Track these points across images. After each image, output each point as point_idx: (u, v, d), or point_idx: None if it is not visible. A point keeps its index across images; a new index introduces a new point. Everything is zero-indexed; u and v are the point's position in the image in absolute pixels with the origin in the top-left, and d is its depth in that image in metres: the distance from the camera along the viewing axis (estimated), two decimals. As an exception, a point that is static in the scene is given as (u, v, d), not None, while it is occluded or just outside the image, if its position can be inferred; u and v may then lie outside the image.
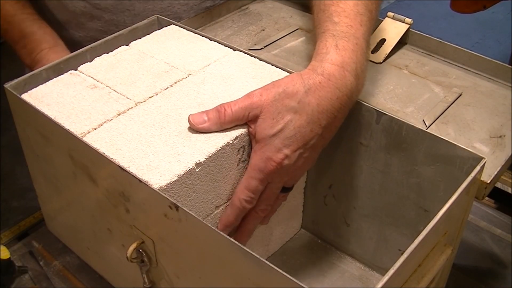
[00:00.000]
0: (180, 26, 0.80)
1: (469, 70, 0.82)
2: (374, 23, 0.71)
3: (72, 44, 0.91)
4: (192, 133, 0.62)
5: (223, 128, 0.61)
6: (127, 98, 0.66)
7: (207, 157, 0.59)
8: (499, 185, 0.91)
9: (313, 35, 0.71)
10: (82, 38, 0.94)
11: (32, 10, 0.89)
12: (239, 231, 0.67)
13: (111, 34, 0.75)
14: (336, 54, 0.63)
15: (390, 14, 0.86)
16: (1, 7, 0.85)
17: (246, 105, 0.60)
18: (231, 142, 0.61)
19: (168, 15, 0.88)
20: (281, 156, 0.61)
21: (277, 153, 0.61)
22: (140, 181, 0.55)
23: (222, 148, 0.61)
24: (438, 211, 0.53)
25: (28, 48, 0.86)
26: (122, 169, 0.56)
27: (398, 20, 0.86)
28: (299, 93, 0.60)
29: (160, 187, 0.55)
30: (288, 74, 0.69)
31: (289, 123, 0.60)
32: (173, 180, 0.57)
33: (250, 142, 0.64)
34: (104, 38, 0.74)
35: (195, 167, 0.58)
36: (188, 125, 0.62)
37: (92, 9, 0.87)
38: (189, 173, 0.58)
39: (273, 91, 0.61)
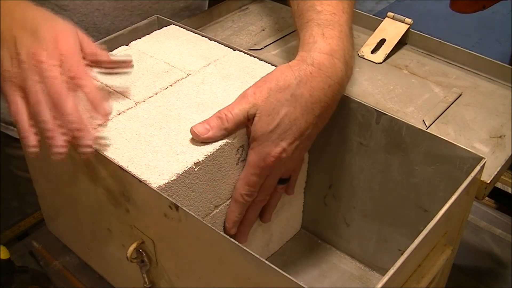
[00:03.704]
0: (180, 26, 0.80)
1: (469, 70, 0.82)
2: (353, 12, 0.72)
3: None
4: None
5: (228, 134, 0.61)
6: (127, 98, 0.66)
7: (206, 156, 0.59)
8: (499, 185, 0.91)
9: (295, 25, 0.70)
10: None
11: None
12: (240, 223, 0.68)
13: None
14: (324, 42, 0.63)
15: (390, 14, 0.87)
16: None
17: (244, 106, 0.61)
18: (230, 141, 0.61)
19: (139, 14, 0.87)
20: (279, 150, 0.61)
21: (274, 147, 0.61)
22: (140, 181, 0.55)
23: (221, 147, 0.61)
24: (438, 211, 0.53)
25: None
26: (122, 169, 0.56)
27: (398, 20, 0.86)
28: (291, 86, 0.60)
29: (158, 187, 0.55)
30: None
31: (285, 117, 0.60)
32: (172, 179, 0.57)
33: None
34: None
35: (194, 167, 0.58)
36: (187, 124, 0.62)
37: (60, 11, 0.86)
38: (188, 172, 0.58)
39: (265, 87, 0.61)
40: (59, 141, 0.56)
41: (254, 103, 0.60)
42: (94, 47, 0.64)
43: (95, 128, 0.62)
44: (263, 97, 0.60)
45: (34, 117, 0.58)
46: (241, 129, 0.62)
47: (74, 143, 0.57)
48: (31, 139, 0.57)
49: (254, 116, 0.61)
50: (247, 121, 0.61)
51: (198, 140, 0.60)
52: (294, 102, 0.60)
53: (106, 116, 0.60)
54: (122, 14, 0.86)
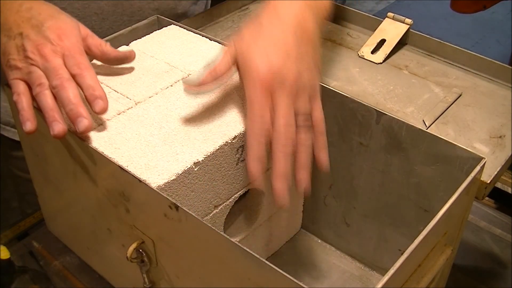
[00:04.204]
0: (180, 26, 0.80)
1: (469, 70, 0.82)
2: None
3: None
4: (191, 132, 0.62)
5: (219, 75, 0.61)
6: (127, 98, 0.66)
7: (205, 156, 0.59)
8: (499, 185, 0.91)
9: None
10: None
11: None
12: (274, 177, 0.59)
13: None
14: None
15: (390, 14, 0.87)
16: None
17: (226, 50, 0.62)
18: (229, 141, 0.61)
19: (138, 20, 0.85)
20: (265, 61, 0.59)
21: (261, 62, 0.59)
22: (140, 181, 0.55)
23: (221, 147, 0.61)
24: (438, 211, 0.53)
25: None
26: (122, 169, 0.56)
27: (398, 21, 0.86)
28: (263, 23, 0.62)
29: (158, 186, 0.55)
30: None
31: (265, 30, 0.63)
32: (171, 179, 0.57)
33: None
34: None
35: (194, 167, 0.58)
36: (187, 124, 0.62)
37: None
38: (188, 172, 0.58)
39: (238, 38, 0.62)
40: (58, 127, 0.58)
41: (234, 42, 0.62)
42: (99, 42, 0.66)
43: (94, 128, 0.62)
44: (241, 38, 0.62)
45: (36, 102, 0.60)
46: (236, 125, 0.62)
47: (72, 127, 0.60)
48: (28, 126, 0.60)
49: (240, 53, 0.61)
50: (235, 61, 0.62)
51: (190, 91, 0.61)
52: (270, 25, 0.62)
53: (101, 114, 0.61)
54: (121, 19, 0.85)
